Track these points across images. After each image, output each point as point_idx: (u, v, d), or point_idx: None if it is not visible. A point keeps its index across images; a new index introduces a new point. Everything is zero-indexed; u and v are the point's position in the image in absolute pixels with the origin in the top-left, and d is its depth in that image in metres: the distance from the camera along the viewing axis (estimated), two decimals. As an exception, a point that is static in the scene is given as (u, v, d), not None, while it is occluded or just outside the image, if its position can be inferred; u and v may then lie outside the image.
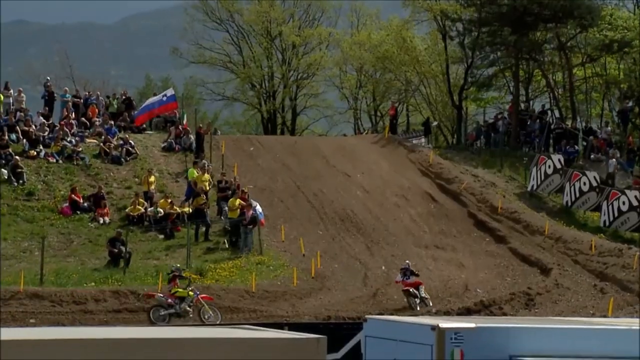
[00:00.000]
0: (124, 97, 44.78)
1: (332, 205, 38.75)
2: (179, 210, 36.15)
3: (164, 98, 37.90)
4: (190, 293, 28.53)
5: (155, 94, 45.46)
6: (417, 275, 31.19)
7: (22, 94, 42.10)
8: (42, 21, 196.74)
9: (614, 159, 42.45)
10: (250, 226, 34.51)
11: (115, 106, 43.73)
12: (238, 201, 34.93)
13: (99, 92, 46.61)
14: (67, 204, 36.17)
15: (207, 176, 37.46)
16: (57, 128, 40.09)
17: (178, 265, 30.56)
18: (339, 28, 58.00)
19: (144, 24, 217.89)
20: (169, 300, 28.48)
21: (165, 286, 29.73)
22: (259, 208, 35.24)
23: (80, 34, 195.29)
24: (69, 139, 39.57)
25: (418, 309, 30.23)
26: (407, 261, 32.16)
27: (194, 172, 37.54)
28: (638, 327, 15.42)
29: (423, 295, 30.67)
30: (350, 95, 57.66)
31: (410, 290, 30.58)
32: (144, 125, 43.29)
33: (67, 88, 45.16)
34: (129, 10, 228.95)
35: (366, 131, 55.11)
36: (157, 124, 43.93)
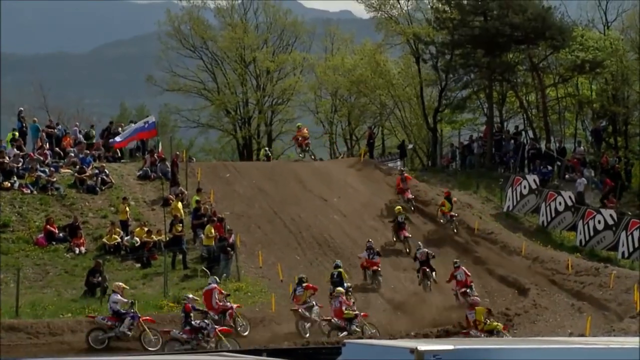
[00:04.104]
0: (107, 127, 44.84)
1: (310, 230, 38.70)
2: (155, 238, 35.99)
3: (145, 125, 37.82)
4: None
5: (131, 122, 45.48)
6: (380, 255, 35.09)
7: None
8: (16, 52, 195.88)
9: (583, 179, 42.76)
10: (232, 252, 34.46)
11: (94, 136, 43.66)
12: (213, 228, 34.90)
13: (77, 123, 46.49)
14: (42, 235, 35.89)
15: (181, 204, 37.49)
16: (33, 158, 39.75)
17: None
18: (313, 53, 58.16)
19: (120, 51, 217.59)
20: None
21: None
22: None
23: (55, 63, 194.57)
24: (43, 169, 39.32)
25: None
26: (370, 240, 35.63)
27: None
28: (616, 346, 15.45)
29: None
30: (325, 119, 57.74)
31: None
32: (119, 154, 43.18)
33: (36, 118, 44.85)
34: (104, 38, 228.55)
35: (342, 155, 55.16)
36: (131, 152, 43.88)
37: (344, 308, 29.89)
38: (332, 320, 29.84)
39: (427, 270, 34.60)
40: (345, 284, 32.01)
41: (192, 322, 27.82)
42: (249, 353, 16.87)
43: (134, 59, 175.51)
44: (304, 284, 30.94)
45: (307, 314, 30.30)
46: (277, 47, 57.16)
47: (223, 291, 30.34)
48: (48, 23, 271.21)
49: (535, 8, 48.22)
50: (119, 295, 29.05)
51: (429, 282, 34.33)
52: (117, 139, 39.11)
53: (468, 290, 33.08)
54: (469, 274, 34.00)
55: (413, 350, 14.02)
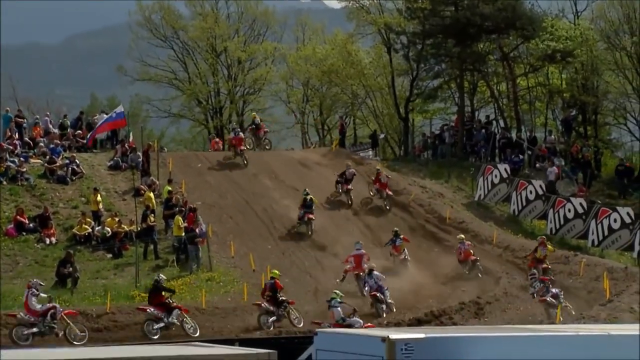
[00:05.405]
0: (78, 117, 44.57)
1: (282, 220, 38.71)
2: (127, 228, 35.86)
3: (114, 115, 37.72)
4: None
5: (103, 112, 45.20)
6: (244, 132, 42.98)
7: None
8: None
9: (554, 167, 43.04)
10: (204, 241, 34.43)
11: (68, 126, 43.37)
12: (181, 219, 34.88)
13: (47, 113, 46.23)
14: (12, 226, 35.67)
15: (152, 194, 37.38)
16: (3, 148, 39.45)
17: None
18: (285, 42, 58.02)
19: (91, 42, 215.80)
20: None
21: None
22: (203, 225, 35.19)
23: (26, 54, 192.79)
24: (12, 160, 39.03)
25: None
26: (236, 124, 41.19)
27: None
28: (585, 333, 15.63)
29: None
30: (297, 109, 57.66)
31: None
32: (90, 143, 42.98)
33: (8, 108, 44.51)
34: (75, 29, 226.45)
35: (313, 145, 55.12)
36: (102, 142, 43.68)
37: (471, 250, 34.79)
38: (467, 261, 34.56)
39: (350, 190, 39.86)
40: (313, 206, 37.58)
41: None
42: (221, 342, 16.93)
43: (105, 50, 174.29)
44: (401, 236, 35.58)
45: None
46: (249, 37, 56.94)
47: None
48: (19, 14, 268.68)
49: (506, -2, 48.38)
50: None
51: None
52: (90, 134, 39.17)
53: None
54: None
55: (385, 339, 14.12)
